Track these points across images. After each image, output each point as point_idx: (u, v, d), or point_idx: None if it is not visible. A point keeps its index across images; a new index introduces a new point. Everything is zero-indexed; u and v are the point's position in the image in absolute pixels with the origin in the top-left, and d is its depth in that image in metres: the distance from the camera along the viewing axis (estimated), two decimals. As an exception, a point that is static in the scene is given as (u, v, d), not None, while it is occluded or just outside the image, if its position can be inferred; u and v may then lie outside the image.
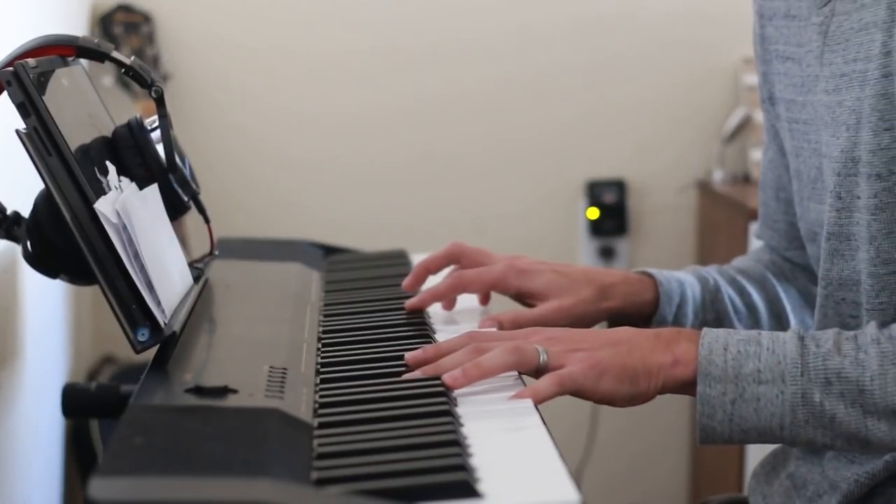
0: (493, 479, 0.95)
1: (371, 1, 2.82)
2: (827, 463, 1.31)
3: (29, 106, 1.17)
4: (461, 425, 1.07)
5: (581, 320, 1.41)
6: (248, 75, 2.81)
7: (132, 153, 1.35)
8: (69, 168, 1.16)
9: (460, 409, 1.11)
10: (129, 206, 1.19)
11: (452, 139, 2.86)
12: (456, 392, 1.15)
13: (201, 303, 1.40)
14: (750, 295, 1.48)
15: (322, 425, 1.07)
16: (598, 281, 1.42)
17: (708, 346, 1.17)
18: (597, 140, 2.89)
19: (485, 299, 1.49)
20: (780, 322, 1.49)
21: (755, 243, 1.59)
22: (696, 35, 2.86)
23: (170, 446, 0.98)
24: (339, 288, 1.58)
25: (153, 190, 1.33)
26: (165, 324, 1.19)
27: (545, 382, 1.16)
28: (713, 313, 1.46)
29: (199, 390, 1.09)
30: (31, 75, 1.18)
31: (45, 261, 1.27)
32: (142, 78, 1.35)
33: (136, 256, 1.18)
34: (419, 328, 1.38)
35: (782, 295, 1.50)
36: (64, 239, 1.21)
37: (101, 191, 1.20)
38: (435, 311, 1.47)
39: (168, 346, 1.19)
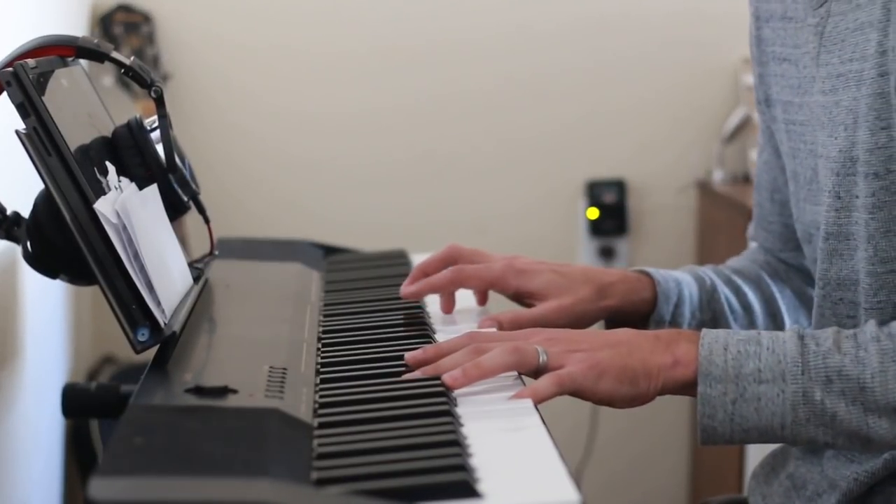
0: (493, 479, 0.95)
1: (371, 1, 2.82)
2: (826, 462, 1.31)
3: (29, 106, 1.17)
4: (461, 425, 1.07)
5: (580, 319, 1.41)
6: (248, 75, 2.81)
7: (132, 153, 1.35)
8: (69, 168, 1.16)
9: (460, 409, 1.11)
10: (128, 207, 1.19)
11: (452, 139, 2.86)
12: (456, 392, 1.15)
13: (201, 303, 1.40)
14: (746, 295, 1.49)
15: (322, 425, 1.07)
16: (596, 280, 1.42)
17: (708, 347, 1.17)
18: (597, 140, 2.89)
19: (482, 299, 1.49)
20: (775, 322, 1.49)
21: (751, 244, 1.59)
22: (696, 35, 2.86)
23: (170, 446, 0.98)
24: (339, 288, 1.58)
25: (153, 190, 1.33)
26: (165, 324, 1.19)
27: (545, 382, 1.16)
28: (709, 313, 1.46)
29: (199, 390, 1.09)
30: (30, 75, 1.18)
31: (45, 261, 1.27)
32: (142, 78, 1.35)
33: (136, 256, 1.18)
34: (419, 328, 1.38)
35: (777, 295, 1.50)
36: (64, 239, 1.21)
37: (100, 191, 1.20)
38: (435, 311, 1.47)
39: (168, 346, 1.19)
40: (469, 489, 0.93)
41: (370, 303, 1.49)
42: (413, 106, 2.85)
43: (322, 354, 1.29)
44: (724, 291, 1.48)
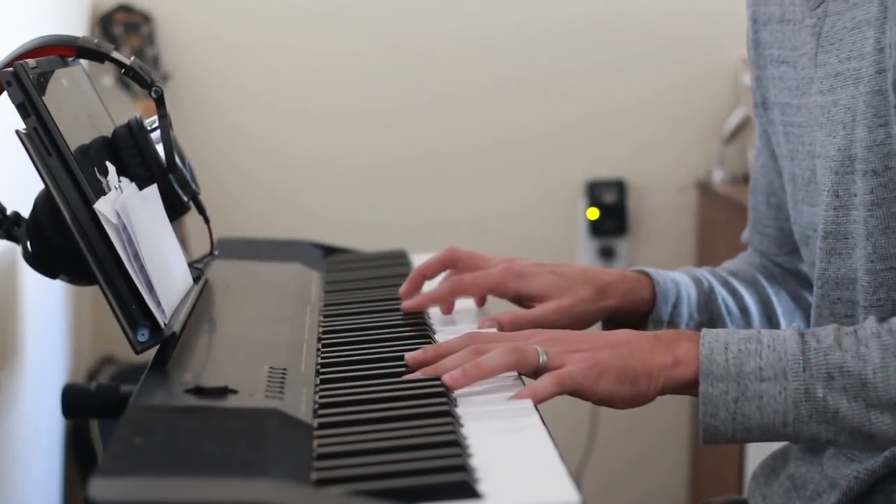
0: (493, 479, 0.95)
1: (371, 1, 2.82)
2: (826, 461, 1.31)
3: (29, 106, 1.17)
4: (461, 426, 1.07)
5: (580, 320, 1.41)
6: (248, 75, 2.81)
7: (132, 153, 1.35)
8: (69, 168, 1.16)
9: (460, 410, 1.11)
10: (129, 207, 1.19)
11: (452, 139, 2.86)
12: (456, 392, 1.15)
13: (201, 303, 1.40)
14: (742, 297, 1.49)
15: (322, 426, 1.07)
16: (595, 280, 1.42)
17: (709, 346, 1.17)
18: (597, 140, 2.89)
19: (481, 301, 1.49)
20: (771, 324, 1.50)
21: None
22: (696, 35, 2.86)
23: (170, 446, 0.98)
24: (339, 288, 1.58)
25: (153, 190, 1.33)
26: (165, 324, 1.19)
27: (544, 382, 1.16)
28: (707, 314, 1.46)
29: (199, 390, 1.09)
30: (30, 76, 1.18)
31: (45, 261, 1.27)
32: (142, 78, 1.35)
33: (136, 257, 1.18)
34: (419, 329, 1.38)
35: (773, 298, 1.50)
36: (64, 239, 1.21)
37: (100, 191, 1.20)
38: (434, 311, 1.47)
39: (168, 346, 1.20)
40: (469, 489, 0.93)
41: (370, 303, 1.49)
42: (413, 106, 2.85)
43: (322, 355, 1.29)
44: (722, 293, 1.48)
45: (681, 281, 1.46)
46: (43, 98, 1.18)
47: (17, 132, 1.17)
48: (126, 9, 2.68)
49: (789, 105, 1.36)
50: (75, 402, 1.29)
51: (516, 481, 0.96)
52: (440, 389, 1.14)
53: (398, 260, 1.73)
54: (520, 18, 2.84)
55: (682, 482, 2.98)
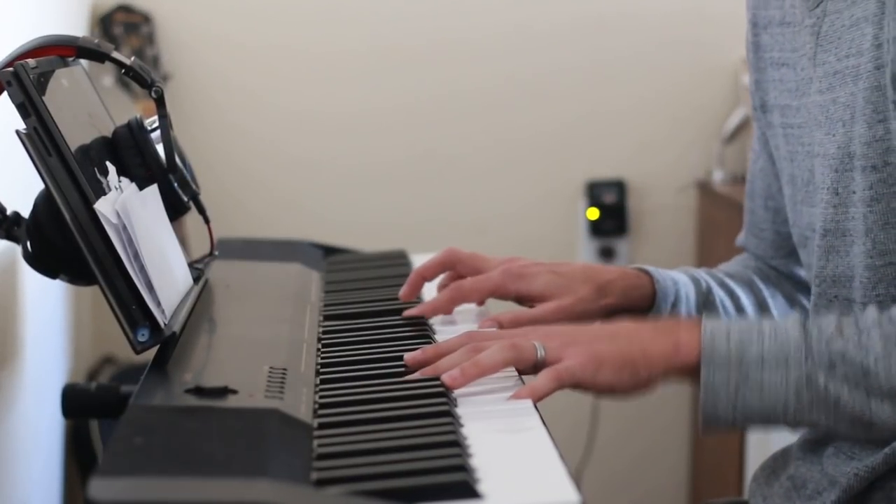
0: (493, 479, 0.95)
1: (371, 1, 2.82)
2: (826, 460, 1.31)
3: (29, 106, 1.17)
4: (461, 426, 1.07)
5: (581, 318, 1.41)
6: (248, 75, 2.81)
7: (132, 153, 1.35)
8: (69, 168, 1.16)
9: (460, 410, 1.11)
10: (129, 207, 1.19)
11: (452, 139, 2.86)
12: (456, 392, 1.15)
13: (201, 303, 1.40)
14: (739, 298, 1.49)
15: (322, 426, 1.07)
16: (595, 278, 1.42)
17: (710, 333, 1.17)
18: (597, 140, 2.89)
19: (481, 301, 1.49)
20: None
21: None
22: (696, 35, 2.86)
23: (170, 446, 0.99)
24: (339, 288, 1.58)
25: (153, 190, 1.33)
26: (165, 324, 1.19)
27: (542, 379, 1.16)
28: (704, 314, 1.46)
29: (199, 390, 1.09)
30: (31, 76, 1.18)
31: (45, 261, 1.27)
32: (142, 78, 1.35)
33: (136, 257, 1.18)
34: (419, 329, 1.38)
35: (769, 300, 1.50)
36: (64, 239, 1.21)
37: (101, 191, 1.20)
38: (435, 311, 1.47)
39: (168, 346, 1.20)
40: (469, 489, 0.93)
41: (370, 303, 1.49)
42: (413, 106, 2.85)
43: (322, 355, 1.29)
44: (719, 294, 1.48)
45: (679, 280, 1.46)
46: (43, 98, 1.18)
47: (17, 132, 1.17)
48: (126, 9, 2.68)
49: (789, 107, 1.37)
50: (75, 402, 1.29)
51: (516, 481, 0.96)
52: (440, 389, 1.14)
53: (398, 260, 1.73)
54: (520, 18, 2.84)
55: (682, 482, 2.98)
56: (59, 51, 1.32)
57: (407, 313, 1.41)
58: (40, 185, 1.20)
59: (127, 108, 2.27)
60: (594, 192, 2.89)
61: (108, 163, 1.28)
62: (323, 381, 1.20)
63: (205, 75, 2.79)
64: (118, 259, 1.16)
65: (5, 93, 1.18)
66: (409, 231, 2.80)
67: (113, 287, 1.16)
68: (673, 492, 2.98)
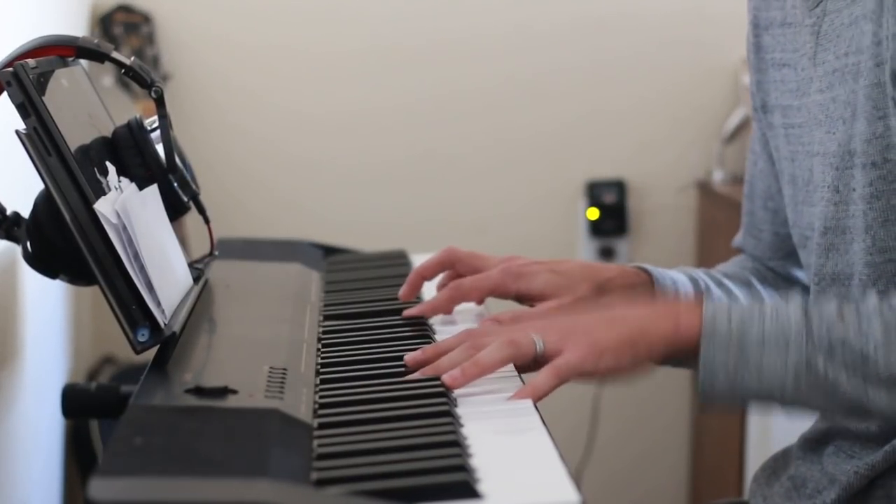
0: (493, 479, 0.95)
1: (371, 1, 2.82)
2: (826, 459, 1.31)
3: (29, 106, 1.17)
4: (461, 426, 1.07)
5: None
6: (248, 75, 2.81)
7: (132, 153, 1.35)
8: (69, 168, 1.16)
9: (460, 410, 1.11)
10: (128, 207, 1.19)
11: (452, 139, 2.86)
12: (456, 392, 1.15)
13: (201, 303, 1.40)
14: (737, 298, 1.49)
15: (322, 426, 1.07)
16: (594, 276, 1.42)
17: (712, 313, 1.17)
18: (597, 140, 2.89)
19: (480, 300, 1.49)
20: None
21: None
22: (696, 35, 2.86)
23: (170, 446, 0.99)
24: (339, 288, 1.58)
25: (153, 190, 1.33)
26: (165, 324, 1.19)
27: (543, 377, 1.16)
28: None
29: (199, 390, 1.09)
30: (30, 76, 1.18)
31: (45, 261, 1.27)
32: (142, 78, 1.35)
33: (136, 257, 1.18)
34: (419, 329, 1.38)
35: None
36: (64, 239, 1.21)
37: (100, 191, 1.20)
38: (434, 310, 1.47)
39: (168, 346, 1.20)
40: (469, 489, 0.93)
41: (370, 303, 1.49)
42: (413, 106, 2.85)
43: (322, 355, 1.29)
44: (717, 294, 1.48)
45: (678, 280, 1.46)
46: (43, 98, 1.18)
47: (17, 132, 1.17)
48: (126, 9, 2.67)
49: (790, 107, 1.37)
50: (75, 402, 1.29)
51: (516, 481, 0.96)
52: (440, 389, 1.14)
53: (398, 260, 1.73)
54: (520, 18, 2.84)
55: (682, 482, 2.98)
56: (58, 51, 1.32)
57: (407, 313, 1.41)
58: (40, 185, 1.20)
59: (127, 108, 2.27)
60: (594, 192, 2.89)
61: (108, 163, 1.28)
62: (323, 381, 1.20)
63: (205, 75, 2.79)
64: (118, 259, 1.16)
65: (5, 93, 1.18)
66: (409, 231, 2.80)
67: (113, 287, 1.16)
68: (673, 492, 2.98)
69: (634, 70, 2.87)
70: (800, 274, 1.50)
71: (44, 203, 1.25)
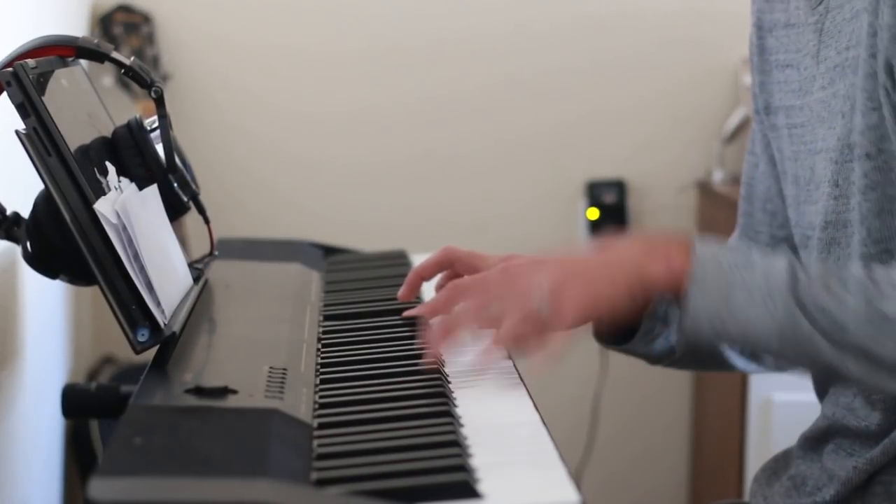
0: (493, 479, 0.95)
1: (371, 0, 2.82)
2: (826, 456, 1.32)
3: (29, 106, 1.17)
4: (461, 426, 1.07)
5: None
6: (248, 75, 2.81)
7: (132, 153, 1.35)
8: (69, 168, 1.16)
9: (460, 410, 1.11)
10: (128, 207, 1.19)
11: (452, 139, 2.86)
12: (456, 392, 1.16)
13: (201, 303, 1.40)
14: None
15: (322, 426, 1.07)
16: None
17: (702, 262, 1.18)
18: (597, 140, 2.89)
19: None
20: None
21: None
22: (696, 35, 2.86)
23: (169, 446, 0.99)
24: (339, 288, 1.58)
25: (153, 190, 1.33)
26: (165, 324, 1.19)
27: (554, 345, 1.17)
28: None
29: (199, 390, 1.09)
30: (30, 76, 1.18)
31: (45, 261, 1.27)
32: (141, 78, 1.35)
33: (136, 257, 1.18)
34: (419, 328, 1.38)
35: None
36: (64, 239, 1.21)
37: (100, 191, 1.20)
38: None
39: (168, 346, 1.20)
40: (469, 489, 0.93)
41: (370, 303, 1.49)
42: (413, 105, 2.85)
43: (322, 355, 1.29)
44: None
45: None
46: (43, 98, 1.18)
47: (17, 132, 1.17)
48: (126, 9, 2.67)
49: (793, 107, 1.37)
50: (75, 402, 1.29)
51: (516, 481, 0.96)
52: (440, 389, 1.14)
53: (398, 260, 1.73)
54: (520, 18, 2.84)
55: (682, 482, 2.98)
56: (58, 51, 1.32)
57: (407, 314, 1.41)
58: (40, 185, 1.20)
59: (127, 108, 2.27)
60: (594, 192, 2.88)
61: (107, 163, 1.28)
62: (323, 381, 1.20)
63: (205, 75, 2.79)
64: (118, 259, 1.16)
65: (5, 93, 1.18)
66: (409, 231, 2.80)
67: (113, 287, 1.16)
68: (673, 492, 2.98)
69: (634, 70, 2.87)
70: None
71: (44, 203, 1.25)
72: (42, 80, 1.21)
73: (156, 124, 1.37)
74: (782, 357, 1.19)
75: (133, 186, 1.29)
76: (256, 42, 2.80)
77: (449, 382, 1.20)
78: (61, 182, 1.16)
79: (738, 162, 2.83)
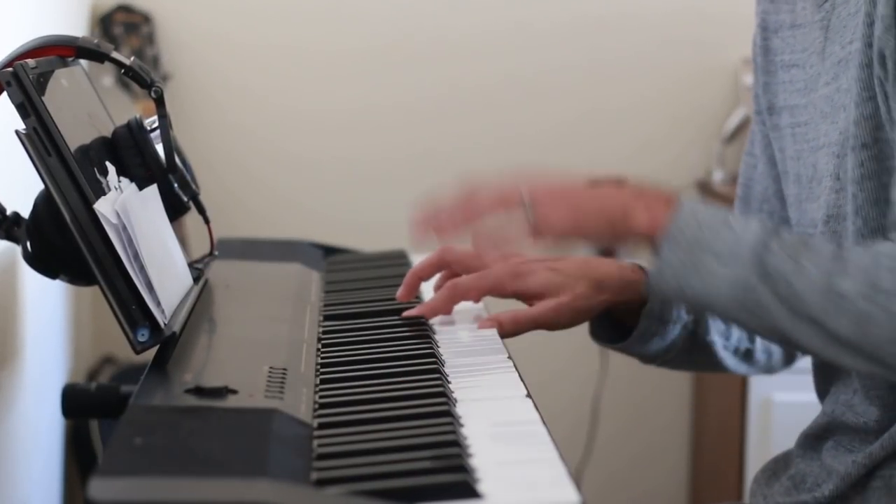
0: (493, 479, 0.95)
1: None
2: (826, 453, 1.32)
3: (28, 106, 1.17)
4: (461, 426, 1.07)
5: (579, 315, 1.42)
6: (248, 75, 2.81)
7: (132, 153, 1.35)
8: (69, 168, 1.16)
9: (460, 410, 1.11)
10: (128, 207, 1.19)
11: (453, 138, 2.86)
12: (453, 386, 1.16)
13: (201, 303, 1.40)
14: None
15: (322, 426, 1.07)
16: (592, 274, 1.43)
17: (681, 219, 1.20)
18: (597, 139, 2.89)
19: (478, 299, 1.49)
20: None
21: None
22: (696, 35, 2.86)
23: (169, 446, 0.99)
24: (339, 288, 1.58)
25: (153, 190, 1.33)
26: (165, 324, 1.19)
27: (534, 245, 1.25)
28: (692, 314, 1.46)
29: (198, 391, 1.09)
30: (30, 76, 1.18)
31: (45, 261, 1.27)
32: (142, 78, 1.35)
33: (136, 257, 1.18)
34: (419, 329, 1.38)
35: None
36: (64, 239, 1.21)
37: (100, 191, 1.20)
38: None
39: (168, 346, 1.20)
40: (469, 489, 0.93)
41: (370, 303, 1.49)
42: (413, 104, 2.85)
43: (322, 355, 1.29)
44: None
45: None
46: (43, 98, 1.18)
47: (17, 132, 1.17)
48: (126, 9, 2.67)
49: (797, 106, 1.37)
50: (75, 402, 1.29)
51: (516, 481, 0.96)
52: (440, 389, 1.14)
53: (398, 260, 1.73)
54: (520, 17, 2.84)
55: (682, 482, 2.98)
56: (58, 51, 1.32)
57: (406, 314, 1.41)
58: (40, 185, 1.20)
59: (127, 108, 2.27)
60: (594, 192, 2.88)
61: (107, 163, 1.28)
62: (323, 381, 1.20)
63: (205, 75, 2.79)
64: (118, 259, 1.16)
65: (5, 93, 1.18)
66: (408, 231, 2.80)
67: (113, 287, 1.16)
68: (673, 492, 2.98)
69: (634, 69, 2.87)
70: None
71: (44, 203, 1.25)
72: (42, 80, 1.21)
73: (156, 124, 1.37)
74: (740, 324, 1.22)
75: (133, 186, 1.29)
76: (256, 41, 2.80)
77: (449, 382, 1.20)
78: (61, 182, 1.16)
79: (737, 162, 2.82)
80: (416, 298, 1.48)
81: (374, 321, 1.41)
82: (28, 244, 1.27)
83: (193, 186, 1.46)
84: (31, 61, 1.21)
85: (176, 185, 1.40)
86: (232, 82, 2.80)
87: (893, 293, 1.10)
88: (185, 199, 1.43)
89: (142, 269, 1.18)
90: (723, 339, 1.47)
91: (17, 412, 1.72)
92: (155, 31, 2.69)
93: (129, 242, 1.17)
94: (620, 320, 1.48)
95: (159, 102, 1.36)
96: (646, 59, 2.86)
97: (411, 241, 1.32)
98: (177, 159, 1.39)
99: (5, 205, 1.29)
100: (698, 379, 2.86)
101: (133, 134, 1.36)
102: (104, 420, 1.34)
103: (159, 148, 1.36)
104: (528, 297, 1.43)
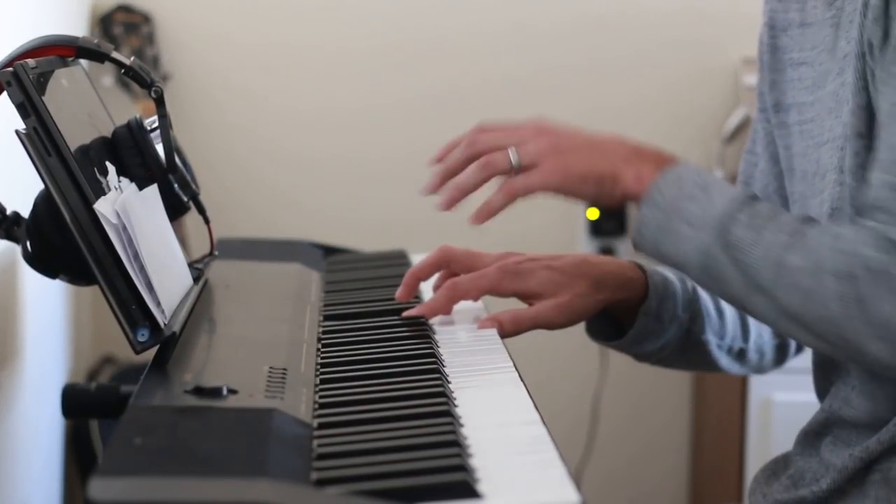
0: (492, 479, 0.95)
1: None
2: (824, 449, 1.32)
3: (29, 106, 1.17)
4: (461, 426, 1.07)
5: (578, 313, 1.43)
6: (248, 75, 2.81)
7: (132, 153, 1.35)
8: (69, 168, 1.16)
9: (460, 410, 1.11)
10: (128, 207, 1.19)
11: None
12: (453, 386, 1.16)
13: (201, 303, 1.40)
14: (719, 300, 1.49)
15: (322, 426, 1.07)
16: (591, 273, 1.43)
17: (664, 182, 1.23)
18: (597, 140, 2.88)
19: (477, 298, 1.49)
20: (744, 326, 1.50)
21: None
22: (696, 35, 2.85)
23: (169, 446, 0.99)
24: (339, 288, 1.58)
25: (153, 190, 1.33)
26: (165, 324, 1.19)
27: (497, 196, 1.44)
28: (689, 313, 1.47)
29: (198, 391, 1.09)
30: (30, 76, 1.18)
31: (45, 261, 1.27)
32: (141, 78, 1.35)
33: (136, 257, 1.18)
34: (418, 328, 1.38)
35: None
36: (64, 239, 1.21)
37: (100, 191, 1.20)
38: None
39: (168, 346, 1.20)
40: (469, 489, 0.93)
41: (370, 303, 1.49)
42: (413, 104, 2.84)
43: (322, 355, 1.29)
44: (702, 294, 1.49)
45: (670, 278, 1.47)
46: (43, 98, 1.18)
47: (17, 132, 1.18)
48: (126, 9, 2.67)
49: (804, 103, 1.37)
50: (75, 402, 1.29)
51: (516, 481, 0.96)
52: (440, 389, 1.15)
53: (398, 260, 1.74)
54: (519, 16, 2.84)
55: (682, 482, 2.98)
56: (58, 51, 1.32)
57: (406, 314, 1.41)
58: (40, 185, 1.20)
59: (127, 108, 2.27)
60: (594, 192, 2.88)
61: (107, 163, 1.28)
62: (323, 381, 1.20)
63: (205, 75, 2.79)
64: (118, 259, 1.16)
65: (5, 93, 1.18)
66: (409, 231, 2.80)
67: (113, 287, 1.16)
68: (673, 492, 2.98)
69: (634, 69, 2.86)
70: None
71: (44, 203, 1.25)
72: (42, 80, 1.21)
73: (156, 124, 1.37)
74: (708, 290, 1.25)
75: (133, 186, 1.29)
76: (256, 41, 2.80)
77: (449, 382, 1.20)
78: (61, 182, 1.16)
79: (737, 162, 2.82)
80: (416, 298, 1.48)
81: (374, 321, 1.41)
82: (28, 244, 1.27)
83: (193, 186, 1.46)
84: (31, 61, 1.21)
85: (176, 185, 1.40)
86: (232, 82, 2.80)
87: (833, 274, 1.13)
88: (185, 199, 1.43)
89: (142, 269, 1.18)
90: (717, 339, 1.47)
91: (17, 412, 1.72)
92: (155, 31, 2.69)
93: (129, 242, 1.17)
94: (617, 318, 1.48)
95: (159, 102, 1.36)
96: (646, 59, 2.86)
97: (426, 189, 1.47)
98: (177, 159, 1.39)
99: (5, 205, 1.29)
100: (698, 378, 2.86)
101: (133, 134, 1.36)
102: (104, 420, 1.34)
103: (159, 148, 1.36)
104: (527, 297, 1.43)
